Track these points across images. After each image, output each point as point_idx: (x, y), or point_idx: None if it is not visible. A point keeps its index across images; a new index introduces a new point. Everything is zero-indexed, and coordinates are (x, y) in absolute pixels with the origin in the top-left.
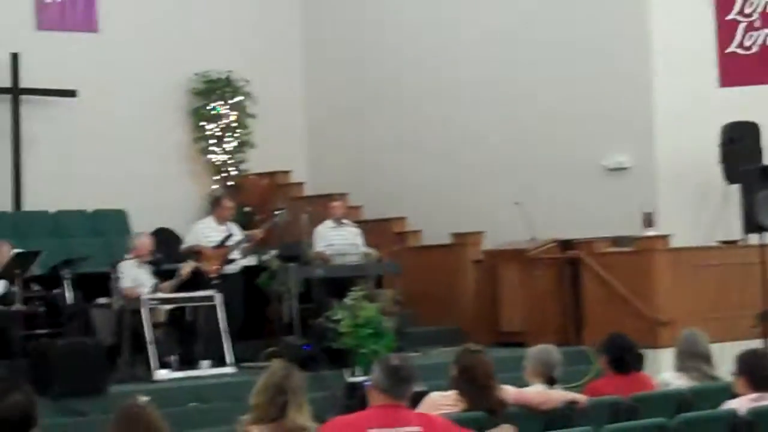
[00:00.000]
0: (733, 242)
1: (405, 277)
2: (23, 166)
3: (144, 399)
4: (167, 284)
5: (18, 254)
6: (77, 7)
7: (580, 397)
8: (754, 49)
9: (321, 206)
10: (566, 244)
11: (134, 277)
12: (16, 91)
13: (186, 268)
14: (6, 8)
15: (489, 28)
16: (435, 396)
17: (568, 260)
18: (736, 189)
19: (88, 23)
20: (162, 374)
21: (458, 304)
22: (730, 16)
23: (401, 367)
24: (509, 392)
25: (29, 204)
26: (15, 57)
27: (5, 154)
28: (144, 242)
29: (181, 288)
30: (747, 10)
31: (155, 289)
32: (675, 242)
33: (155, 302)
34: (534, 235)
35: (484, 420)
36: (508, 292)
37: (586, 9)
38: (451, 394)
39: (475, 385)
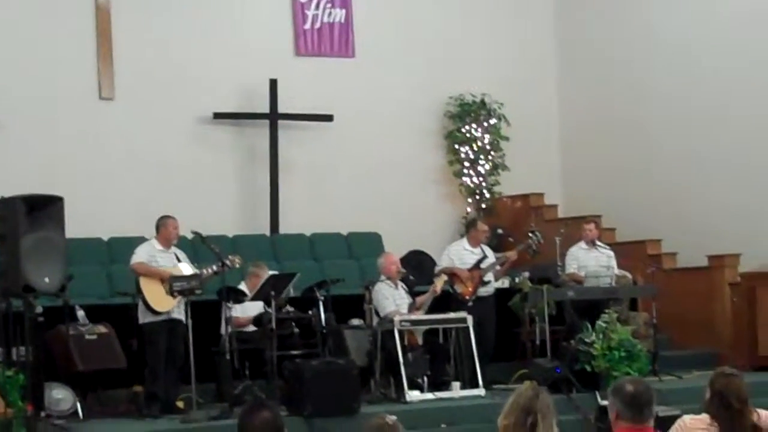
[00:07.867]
0: None
1: (660, 300)
2: (280, 189)
3: (392, 418)
4: (421, 298)
5: (273, 276)
6: (334, 33)
7: None
8: None
9: (574, 228)
10: None
11: (393, 298)
12: (274, 116)
13: (439, 282)
14: (265, 35)
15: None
16: (687, 419)
17: None
18: None
19: (344, 49)
20: (414, 396)
21: (714, 327)
22: None
23: (637, 393)
24: (764, 417)
25: (286, 226)
26: (273, 83)
27: (263, 177)
28: (387, 260)
29: (433, 310)
30: None
31: (411, 307)
32: None
33: (408, 324)
34: None
35: None
36: (767, 315)
37: None
38: (704, 418)
39: (728, 410)
